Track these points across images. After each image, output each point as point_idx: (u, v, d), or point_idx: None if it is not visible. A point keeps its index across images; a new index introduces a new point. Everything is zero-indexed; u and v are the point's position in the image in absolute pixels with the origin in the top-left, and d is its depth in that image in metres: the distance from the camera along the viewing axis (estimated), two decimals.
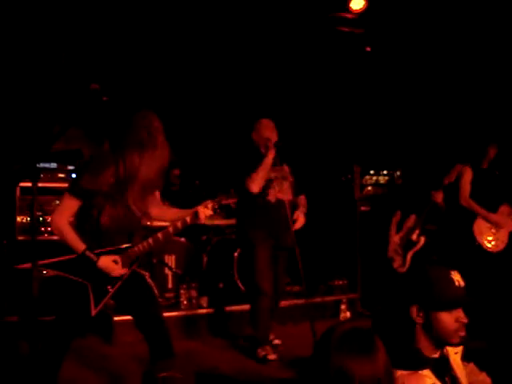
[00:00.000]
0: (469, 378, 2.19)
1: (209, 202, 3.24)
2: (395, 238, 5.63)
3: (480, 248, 5.31)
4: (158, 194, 3.47)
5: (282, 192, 4.65)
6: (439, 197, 5.29)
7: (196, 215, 3.20)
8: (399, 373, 1.88)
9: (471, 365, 2.26)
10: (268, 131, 4.71)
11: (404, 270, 5.54)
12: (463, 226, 5.44)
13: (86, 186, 3.00)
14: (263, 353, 4.52)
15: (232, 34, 6.71)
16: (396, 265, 5.60)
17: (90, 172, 3.04)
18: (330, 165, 7.71)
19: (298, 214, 4.73)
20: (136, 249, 3.19)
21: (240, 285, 5.81)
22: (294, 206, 4.79)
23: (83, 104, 2.88)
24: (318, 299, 6.08)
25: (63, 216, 3.05)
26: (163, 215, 3.38)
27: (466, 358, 2.25)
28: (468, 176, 5.42)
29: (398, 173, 6.54)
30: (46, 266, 2.99)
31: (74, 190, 3.05)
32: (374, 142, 7.49)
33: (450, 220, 6.03)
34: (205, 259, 5.98)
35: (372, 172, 7.35)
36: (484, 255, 5.31)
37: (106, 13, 5.88)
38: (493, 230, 5.33)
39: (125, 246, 3.17)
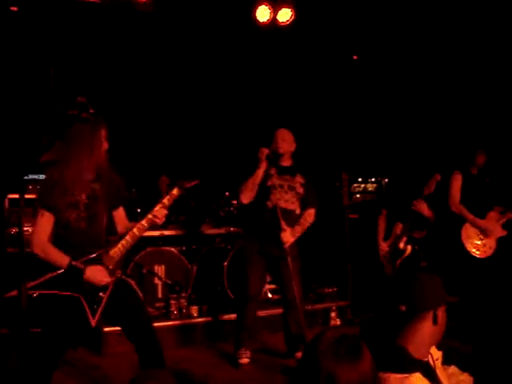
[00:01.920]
0: (451, 380, 2.23)
1: (171, 189, 3.37)
2: (383, 246, 5.59)
3: (468, 254, 5.33)
4: (122, 210, 3.47)
5: (283, 201, 4.70)
6: (423, 207, 5.21)
7: (163, 204, 3.33)
8: (393, 376, 1.93)
9: (452, 367, 2.30)
10: (277, 142, 4.76)
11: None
12: (451, 232, 5.46)
13: (52, 197, 3.05)
14: (236, 356, 4.71)
15: (223, 45, 6.78)
16: (387, 271, 5.56)
17: (57, 185, 3.08)
18: (319, 172, 7.73)
19: (288, 228, 4.66)
20: (117, 249, 3.22)
21: (230, 294, 5.82)
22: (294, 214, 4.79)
23: (71, 116, 2.91)
24: (308, 307, 6.09)
25: (41, 235, 3.08)
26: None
27: (448, 361, 2.32)
28: (458, 182, 5.44)
29: (386, 180, 6.58)
30: (34, 288, 2.97)
31: (43, 203, 3.09)
32: (361, 149, 7.54)
33: (438, 226, 6.05)
34: (195, 268, 5.98)
35: (360, 179, 7.39)
36: (472, 261, 5.32)
37: (96, 27, 5.93)
38: (481, 236, 5.35)
39: (105, 249, 3.20)
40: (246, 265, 4.74)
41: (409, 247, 5.43)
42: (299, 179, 4.82)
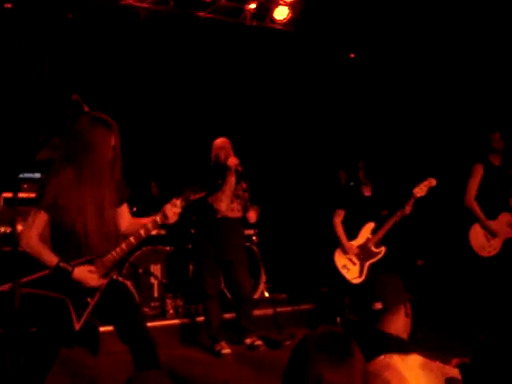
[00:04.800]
0: (436, 373, 2.23)
1: (175, 199, 3.20)
2: (352, 246, 5.33)
3: (472, 252, 5.23)
4: (126, 207, 3.40)
5: (230, 210, 5.06)
6: (408, 207, 5.10)
7: (165, 215, 3.16)
8: (395, 357, 1.99)
9: (437, 362, 2.33)
10: (223, 151, 5.03)
11: (360, 281, 5.27)
12: (459, 230, 5.32)
13: (52, 197, 2.98)
14: (218, 348, 4.98)
15: (214, 43, 6.76)
16: (350, 276, 5.31)
17: (53, 183, 3.02)
18: (317, 172, 7.73)
19: (253, 210, 5.20)
20: (110, 256, 3.14)
21: (227, 293, 5.79)
22: (245, 221, 5.26)
23: (65, 114, 2.85)
24: (306, 306, 6.08)
25: (32, 231, 3.01)
26: (133, 227, 3.29)
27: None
28: (478, 175, 5.21)
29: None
30: (22, 285, 2.92)
31: (39, 202, 3.01)
32: (359, 149, 7.52)
33: (446, 222, 5.96)
34: (191, 268, 5.95)
35: None
36: (477, 260, 5.24)
37: (90, 26, 5.90)
38: (488, 237, 5.24)
39: (99, 255, 3.13)
40: (202, 267, 5.13)
41: (383, 248, 5.34)
42: (243, 185, 5.15)
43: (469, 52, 6.53)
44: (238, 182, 5.04)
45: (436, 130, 6.95)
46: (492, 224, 5.22)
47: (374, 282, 2.39)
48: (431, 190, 5.08)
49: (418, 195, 5.06)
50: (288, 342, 5.04)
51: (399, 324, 2.27)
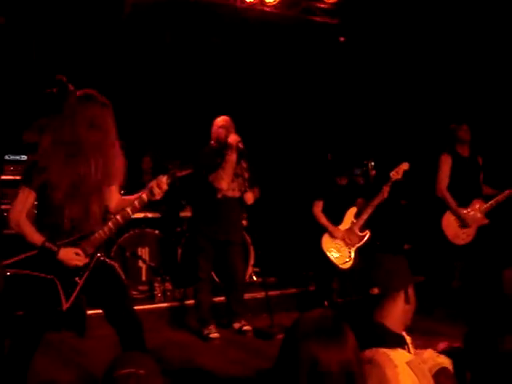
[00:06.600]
0: (427, 364, 2.24)
1: (162, 176, 3.19)
2: (340, 231, 5.42)
3: (447, 240, 5.32)
4: (116, 186, 3.37)
5: (231, 190, 4.99)
6: (386, 191, 5.24)
7: (151, 191, 3.15)
8: (381, 350, 1.97)
9: (428, 350, 2.34)
10: (223, 129, 4.95)
11: (348, 266, 5.36)
12: (433, 217, 5.42)
13: (40, 176, 2.97)
14: (206, 331, 4.95)
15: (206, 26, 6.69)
16: (339, 261, 5.37)
17: (42, 163, 2.99)
18: (307, 156, 7.71)
19: (249, 190, 5.08)
20: (97, 235, 3.14)
21: (215, 277, 5.79)
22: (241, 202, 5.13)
23: (50, 95, 2.81)
24: (293, 290, 6.10)
25: (20, 210, 3.00)
26: (122, 206, 3.27)
27: None
28: (447, 165, 5.36)
29: (372, 163, 6.52)
30: (9, 266, 2.92)
31: (28, 181, 3.01)
32: (346, 132, 7.51)
33: (420, 210, 6.05)
34: (179, 251, 5.93)
35: None
36: (451, 247, 5.33)
37: (75, 8, 5.82)
38: (461, 224, 5.32)
39: (86, 234, 3.12)
40: (196, 250, 5.08)
41: (367, 232, 5.42)
42: (244, 164, 5.09)
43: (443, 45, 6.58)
44: (238, 161, 4.97)
45: (411, 119, 7.02)
46: (464, 211, 5.29)
47: (374, 264, 2.28)
48: (406, 173, 5.21)
49: (395, 178, 5.20)
50: (280, 336, 4.98)
51: (397, 311, 2.19)
